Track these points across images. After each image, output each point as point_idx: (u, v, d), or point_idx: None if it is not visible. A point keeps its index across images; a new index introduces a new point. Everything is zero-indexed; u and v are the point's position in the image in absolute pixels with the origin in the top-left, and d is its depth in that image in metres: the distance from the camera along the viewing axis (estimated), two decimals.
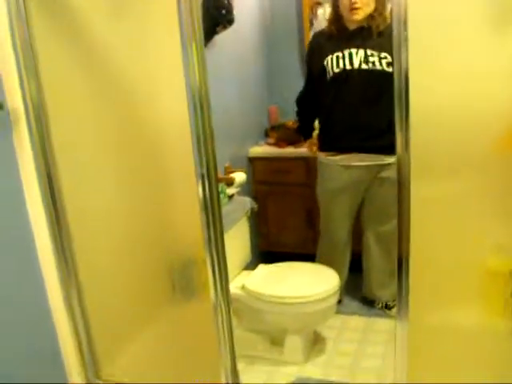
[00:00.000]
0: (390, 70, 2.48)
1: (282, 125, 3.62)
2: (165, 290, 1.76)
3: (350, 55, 2.58)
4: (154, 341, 1.81)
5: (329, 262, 2.79)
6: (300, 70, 3.73)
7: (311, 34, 3.57)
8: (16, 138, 1.67)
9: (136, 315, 1.84)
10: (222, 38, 3.00)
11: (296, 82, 3.71)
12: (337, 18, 2.66)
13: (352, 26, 2.63)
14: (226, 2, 2.86)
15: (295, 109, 3.00)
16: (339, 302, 2.68)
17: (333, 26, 2.69)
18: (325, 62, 2.63)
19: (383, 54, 2.53)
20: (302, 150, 3.31)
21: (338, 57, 2.60)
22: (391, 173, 2.51)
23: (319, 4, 3.62)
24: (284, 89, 3.78)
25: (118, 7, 1.66)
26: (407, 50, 1.34)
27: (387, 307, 2.95)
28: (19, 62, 1.64)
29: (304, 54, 3.65)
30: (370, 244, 2.94)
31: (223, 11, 2.85)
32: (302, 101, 2.95)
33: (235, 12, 2.91)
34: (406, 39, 1.34)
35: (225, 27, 2.92)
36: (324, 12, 3.60)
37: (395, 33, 1.35)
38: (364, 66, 2.57)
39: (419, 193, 1.43)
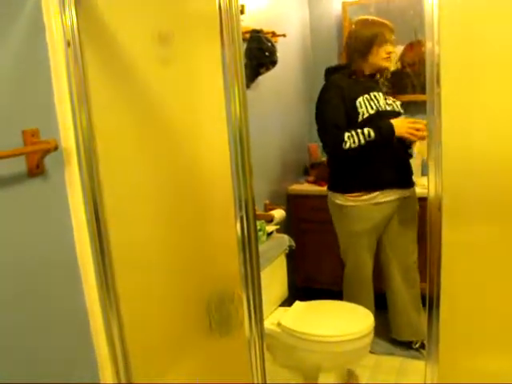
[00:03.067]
0: (403, 110, 2.80)
1: (321, 163, 3.67)
2: (202, 325, 1.80)
3: (376, 97, 2.74)
4: (189, 374, 1.85)
5: (356, 300, 2.82)
6: None
7: None
8: (67, 176, 1.77)
9: (173, 348, 1.89)
10: (266, 78, 3.10)
11: None
12: (361, 62, 2.79)
13: (368, 71, 2.81)
14: (269, 44, 2.96)
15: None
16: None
17: (354, 70, 2.82)
18: (357, 103, 2.71)
19: (393, 98, 2.79)
20: None
21: (367, 99, 2.72)
22: (412, 203, 2.83)
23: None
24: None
25: (166, 53, 1.77)
26: (440, 91, 1.38)
27: (424, 347, 2.91)
28: (73, 103, 1.74)
29: None
30: (395, 280, 2.94)
31: (267, 53, 2.96)
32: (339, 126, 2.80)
33: (278, 54, 3.01)
34: (439, 81, 1.37)
35: (268, 68, 3.02)
36: None
37: (428, 74, 1.39)
38: (388, 108, 2.76)
39: (451, 235, 1.44)
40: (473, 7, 1.36)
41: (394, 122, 2.66)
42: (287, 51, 3.46)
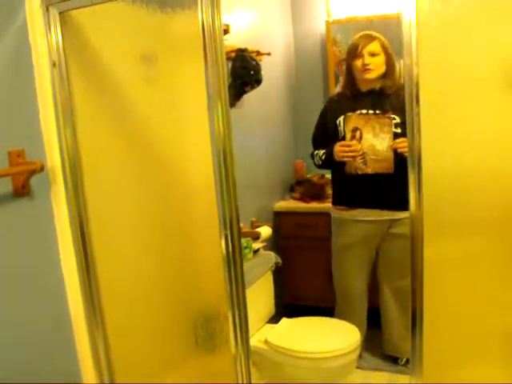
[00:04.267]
0: (399, 130, 2.61)
1: (306, 180, 3.70)
2: (188, 343, 1.81)
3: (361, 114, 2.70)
4: None
5: (346, 316, 2.83)
6: None
7: (336, 89, 3.72)
8: (53, 196, 1.78)
9: (158, 366, 1.89)
10: (251, 96, 3.12)
11: None
12: (351, 80, 2.80)
13: (365, 88, 2.76)
14: (254, 63, 2.99)
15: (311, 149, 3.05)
16: (359, 356, 2.68)
17: (347, 88, 2.84)
18: (337, 122, 2.75)
19: (392, 116, 2.63)
20: (327, 206, 3.37)
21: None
22: (404, 228, 2.62)
23: (345, 60, 3.74)
24: (309, 144, 3.87)
25: (151, 72, 1.79)
26: (419, 110, 1.40)
27: (401, 363, 2.96)
28: (59, 123, 1.76)
29: None
30: (387, 299, 2.95)
31: (251, 72, 2.98)
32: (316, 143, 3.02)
33: (263, 72, 3.04)
34: (418, 100, 1.40)
35: (253, 87, 3.04)
36: None
37: (407, 94, 1.41)
38: None
39: (433, 251, 1.47)
40: (450, 28, 1.40)
41: (334, 148, 2.70)
42: (272, 70, 3.50)
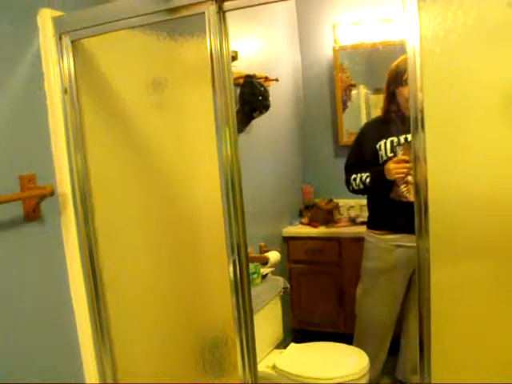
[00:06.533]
0: None
1: (314, 204, 3.71)
2: (195, 367, 1.80)
3: (406, 140, 2.61)
4: None
5: (367, 344, 2.76)
6: (333, 151, 3.86)
7: (344, 115, 3.73)
8: (63, 221, 1.80)
9: None
10: (259, 122, 3.15)
11: (329, 162, 3.85)
12: (394, 106, 2.68)
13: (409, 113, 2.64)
14: (262, 88, 3.02)
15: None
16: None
17: (388, 114, 2.72)
18: (377, 146, 2.68)
19: None
20: (335, 230, 3.39)
21: (392, 141, 2.64)
22: None
23: (353, 86, 3.78)
24: (317, 169, 3.91)
25: (160, 99, 1.82)
26: (424, 136, 1.40)
27: None
28: (70, 148, 1.78)
29: (337, 135, 3.80)
30: (413, 326, 2.84)
31: (260, 97, 3.01)
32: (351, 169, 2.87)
33: (271, 98, 3.08)
34: (423, 126, 1.40)
35: (261, 112, 3.07)
36: (358, 93, 3.76)
37: (412, 119, 1.42)
38: None
39: (440, 276, 1.46)
40: (453, 55, 1.41)
41: (386, 166, 2.58)
42: (280, 95, 3.54)
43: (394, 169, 2.54)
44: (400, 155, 2.58)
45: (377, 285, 2.81)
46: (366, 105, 3.77)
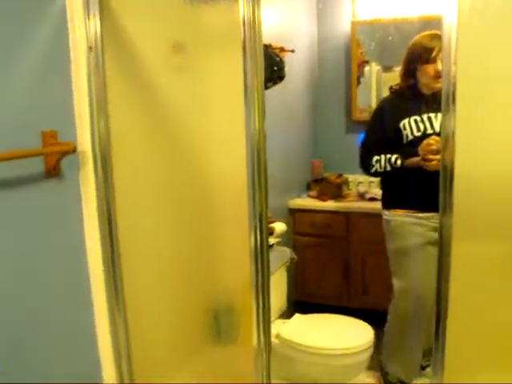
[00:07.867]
0: None
1: (324, 178, 3.71)
2: (208, 332, 1.82)
3: (430, 119, 2.55)
4: (193, 381, 1.86)
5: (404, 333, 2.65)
6: (345, 126, 3.85)
7: (358, 90, 3.70)
8: (82, 179, 1.79)
9: (178, 354, 1.90)
10: (272, 92, 3.12)
11: (340, 138, 3.83)
12: (412, 82, 2.61)
13: (427, 92, 2.57)
14: (277, 59, 2.99)
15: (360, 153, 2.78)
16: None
17: (408, 90, 2.64)
18: (401, 125, 2.59)
19: None
20: (343, 205, 3.39)
21: (416, 120, 2.56)
22: None
23: (366, 62, 3.75)
24: (328, 143, 3.90)
25: (184, 62, 1.80)
26: (455, 109, 1.40)
27: (421, 367, 2.91)
28: (92, 107, 1.77)
29: (350, 110, 3.78)
30: None
31: (275, 68, 2.98)
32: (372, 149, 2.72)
33: (286, 69, 3.04)
34: (454, 100, 1.40)
35: (275, 83, 3.04)
36: (370, 69, 3.74)
37: (444, 93, 1.41)
38: None
39: (461, 254, 1.47)
40: (491, 28, 1.40)
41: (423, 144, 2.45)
42: (295, 67, 3.50)
43: (425, 148, 2.43)
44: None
45: (418, 259, 2.59)
46: (377, 82, 3.74)
